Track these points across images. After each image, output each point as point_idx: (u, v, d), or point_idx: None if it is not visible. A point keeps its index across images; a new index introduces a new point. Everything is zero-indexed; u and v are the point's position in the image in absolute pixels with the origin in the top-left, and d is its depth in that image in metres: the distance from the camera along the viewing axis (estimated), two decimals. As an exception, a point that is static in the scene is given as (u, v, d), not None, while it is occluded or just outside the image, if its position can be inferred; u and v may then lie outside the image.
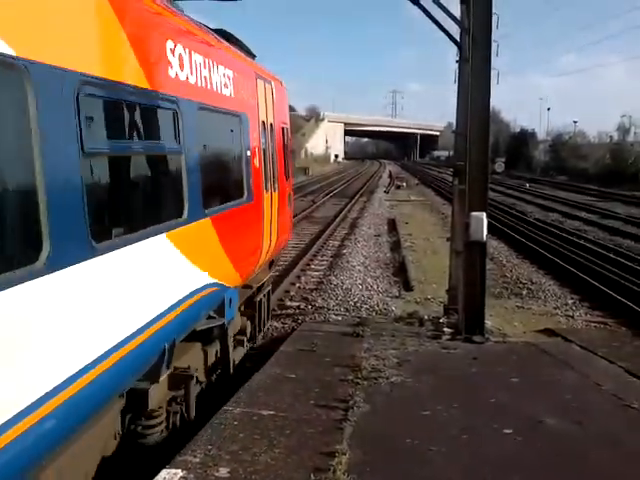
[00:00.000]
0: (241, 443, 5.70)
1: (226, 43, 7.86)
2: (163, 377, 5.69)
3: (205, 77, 6.39)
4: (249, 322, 9.21)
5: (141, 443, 5.68)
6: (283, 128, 10.99)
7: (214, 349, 7.42)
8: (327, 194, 40.84)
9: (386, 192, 44.90)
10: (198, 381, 6.79)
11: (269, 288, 10.76)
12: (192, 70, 5.94)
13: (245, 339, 8.91)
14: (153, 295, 5.19)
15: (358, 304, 12.44)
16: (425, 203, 36.35)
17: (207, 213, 6.36)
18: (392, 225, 25.44)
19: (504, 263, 17.17)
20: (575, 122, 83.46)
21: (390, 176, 64.14)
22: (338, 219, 26.97)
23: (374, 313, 11.80)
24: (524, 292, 13.90)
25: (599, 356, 8.77)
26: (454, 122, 10.70)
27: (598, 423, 6.40)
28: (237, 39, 8.98)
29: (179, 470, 5.16)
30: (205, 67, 6.38)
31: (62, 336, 3.82)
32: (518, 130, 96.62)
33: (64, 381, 3.74)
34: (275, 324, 11.31)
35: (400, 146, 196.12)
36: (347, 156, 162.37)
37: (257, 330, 9.79)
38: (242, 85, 7.97)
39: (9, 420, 3.21)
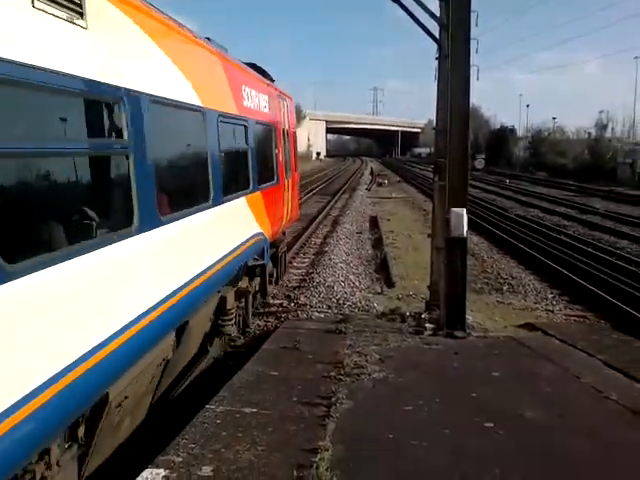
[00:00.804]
0: (224, 441, 5.69)
1: (258, 75, 11.44)
2: (232, 290, 8.95)
3: (256, 103, 10.33)
4: (275, 269, 13.02)
5: (220, 332, 8.86)
6: (293, 132, 15.02)
7: (255, 282, 10.85)
8: (309, 192, 40.85)
9: (368, 189, 44.99)
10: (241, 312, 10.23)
11: (284, 249, 14.68)
12: (251, 100, 9.95)
13: (273, 280, 12.98)
14: (240, 231, 8.96)
15: (341, 301, 12.47)
16: (407, 200, 36.49)
17: (259, 188, 10.14)
18: (374, 222, 25.52)
19: (485, 259, 17.32)
20: (554, 119, 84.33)
21: (372, 173, 64.23)
22: (320, 217, 26.99)
23: (356, 310, 11.82)
24: (505, 287, 14.03)
25: (578, 349, 8.88)
26: (434, 119, 10.77)
27: (578, 415, 6.49)
28: (263, 69, 12.68)
29: (162, 470, 5.13)
30: (255, 97, 10.32)
31: (207, 244, 7.28)
32: (498, 127, 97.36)
33: (200, 272, 6.71)
34: (258, 322, 11.31)
35: (382, 143, 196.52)
36: (329, 154, 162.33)
37: (278, 276, 13.72)
38: (272, 104, 11.92)
39: (178, 288, 5.94)
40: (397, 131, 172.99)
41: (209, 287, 7.16)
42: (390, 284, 14.23)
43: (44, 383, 3.65)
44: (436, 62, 10.63)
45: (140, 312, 5.08)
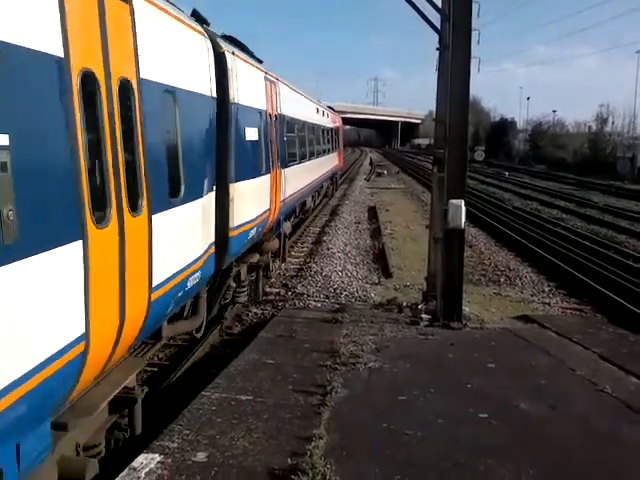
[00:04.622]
0: (219, 428, 5.72)
1: (331, 110, 32.40)
2: (329, 183, 30.16)
3: (334, 121, 31.28)
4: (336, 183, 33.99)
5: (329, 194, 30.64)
6: (341, 127, 37.43)
7: (331, 185, 31.14)
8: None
9: (367, 180, 44.90)
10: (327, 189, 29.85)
11: (337, 178, 34.69)
12: (333, 121, 30.56)
13: (333, 187, 32.42)
14: (333, 163, 29.67)
15: (338, 291, 12.46)
16: (406, 191, 36.44)
17: (337, 151, 31.64)
18: (372, 212, 25.50)
19: (482, 250, 17.32)
20: (554, 111, 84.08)
21: (371, 164, 64.06)
22: (319, 206, 26.95)
23: (353, 300, 11.82)
24: (502, 279, 14.03)
25: (574, 342, 8.91)
26: (434, 110, 10.71)
27: (572, 407, 6.53)
28: (331, 106, 36.15)
29: (156, 455, 5.17)
30: (329, 117, 28.03)
31: (325, 167, 24.90)
32: (498, 119, 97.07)
33: (323, 173, 24.63)
34: (255, 310, 11.33)
35: (382, 134, 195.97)
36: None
37: (335, 188, 33.28)
38: (335, 120, 32.34)
39: (320, 176, 22.81)
40: (397, 122, 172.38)
41: (323, 180, 24.64)
42: (387, 274, 14.23)
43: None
44: (436, 53, 10.59)
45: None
